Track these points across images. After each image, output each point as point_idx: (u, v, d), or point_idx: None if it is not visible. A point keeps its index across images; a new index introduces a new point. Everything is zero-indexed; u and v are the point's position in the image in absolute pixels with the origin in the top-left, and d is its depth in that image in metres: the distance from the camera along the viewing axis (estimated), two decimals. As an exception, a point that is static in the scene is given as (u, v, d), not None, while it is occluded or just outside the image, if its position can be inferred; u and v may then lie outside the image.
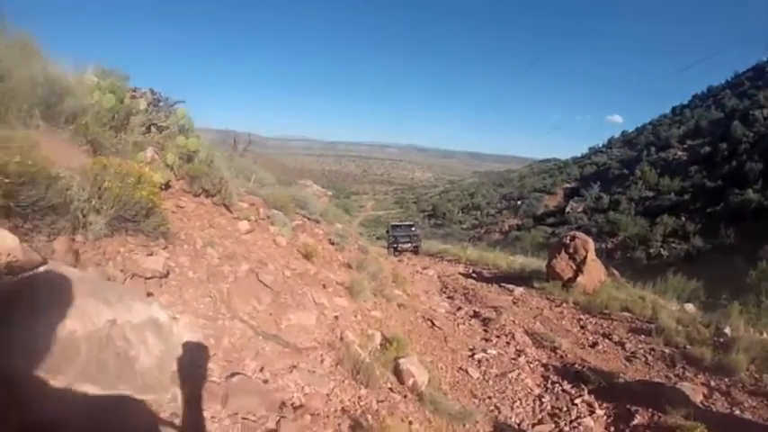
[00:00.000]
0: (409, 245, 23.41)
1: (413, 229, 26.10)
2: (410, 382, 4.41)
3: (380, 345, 5.08)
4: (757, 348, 6.53)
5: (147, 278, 2.86)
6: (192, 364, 2.40)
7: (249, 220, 5.79)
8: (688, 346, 7.16)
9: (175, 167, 5.59)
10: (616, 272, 17.47)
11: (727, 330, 7.52)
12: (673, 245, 35.10)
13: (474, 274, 15.41)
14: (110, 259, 2.84)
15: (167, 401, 2.18)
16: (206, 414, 2.34)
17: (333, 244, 8.44)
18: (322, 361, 3.54)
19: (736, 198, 35.35)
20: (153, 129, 6.21)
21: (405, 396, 4.10)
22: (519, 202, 64.66)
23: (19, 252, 2.25)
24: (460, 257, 20.77)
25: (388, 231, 26.33)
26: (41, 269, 2.13)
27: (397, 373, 4.50)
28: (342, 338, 4.17)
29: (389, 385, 4.12)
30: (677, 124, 64.31)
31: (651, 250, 35.69)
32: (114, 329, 2.05)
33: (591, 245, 11.23)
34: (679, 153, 53.51)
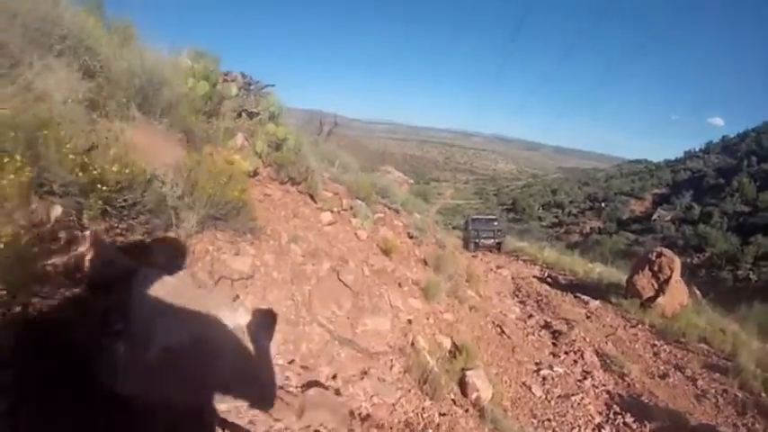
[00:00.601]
0: (492, 240, 21.99)
1: (495, 223, 24.16)
2: (474, 396, 4.44)
3: (449, 352, 5.14)
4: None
5: (234, 280, 3.03)
6: (270, 371, 2.55)
7: (332, 212, 5.96)
8: (763, 394, 6.66)
9: (264, 155, 5.82)
10: (698, 292, 16.53)
11: (809, 384, 6.95)
12: (764, 269, 32.63)
13: (549, 279, 15.00)
14: (199, 259, 3.02)
15: (245, 408, 2.34)
16: (281, 425, 2.47)
17: (411, 238, 8.53)
18: (391, 367, 3.63)
19: None
20: (244, 115, 6.43)
21: (467, 410, 4.12)
22: (603, 204, 62.19)
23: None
24: (537, 258, 20.23)
25: (467, 224, 24.55)
26: (138, 276, 2.31)
27: (462, 384, 4.53)
28: (413, 344, 4.25)
29: (453, 396, 4.16)
30: None
31: (739, 272, 33.26)
32: (202, 344, 2.22)
33: (677, 264, 10.65)
34: None
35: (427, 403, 3.62)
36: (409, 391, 3.57)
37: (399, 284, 5.84)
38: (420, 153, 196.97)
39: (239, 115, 6.33)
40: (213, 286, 2.91)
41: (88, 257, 2.31)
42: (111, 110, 3.48)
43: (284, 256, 3.76)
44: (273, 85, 10.05)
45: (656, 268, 10.57)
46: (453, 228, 46.37)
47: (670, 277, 10.33)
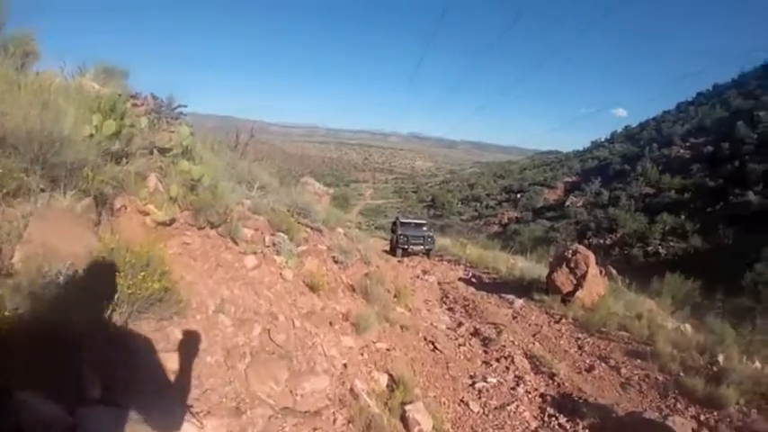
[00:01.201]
0: (421, 247, 21.25)
1: (425, 228, 23.18)
2: (416, 430, 4.52)
3: (387, 386, 5.20)
4: (748, 382, 6.58)
5: (171, 382, 2.90)
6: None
7: (255, 254, 5.79)
8: (682, 374, 7.21)
9: (179, 198, 5.51)
10: (614, 271, 17.61)
11: (720, 359, 7.56)
12: (671, 243, 35.32)
13: (474, 280, 15.51)
14: (125, 364, 2.81)
15: None
16: None
17: (337, 263, 8.50)
18: (335, 421, 3.62)
19: (737, 199, 35.58)
20: (155, 151, 6.04)
21: (411, 448, 4.18)
22: (519, 195, 64.89)
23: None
24: (460, 257, 20.83)
25: (394, 228, 23.32)
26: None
27: (404, 420, 4.59)
28: (351, 389, 4.25)
29: (396, 435, 4.20)
30: (681, 121, 64.40)
31: (649, 248, 35.93)
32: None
33: (592, 259, 11.30)
34: (681, 151, 53.65)
35: (375, 452, 3.64)
36: (355, 441, 3.57)
37: (330, 323, 5.81)
38: (339, 155, 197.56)
39: (151, 152, 5.96)
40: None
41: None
42: (9, 190, 3.20)
43: (214, 332, 3.64)
44: (186, 106, 9.68)
45: (572, 265, 11.17)
46: (376, 228, 46.76)
47: (586, 272, 10.95)
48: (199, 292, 3.96)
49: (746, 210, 33.70)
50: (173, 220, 5.12)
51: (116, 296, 2.92)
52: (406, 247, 20.76)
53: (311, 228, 9.59)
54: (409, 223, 23.54)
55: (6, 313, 2.39)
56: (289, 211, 9.15)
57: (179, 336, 3.27)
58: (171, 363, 2.95)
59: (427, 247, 21.29)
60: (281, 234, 7.16)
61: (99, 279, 2.88)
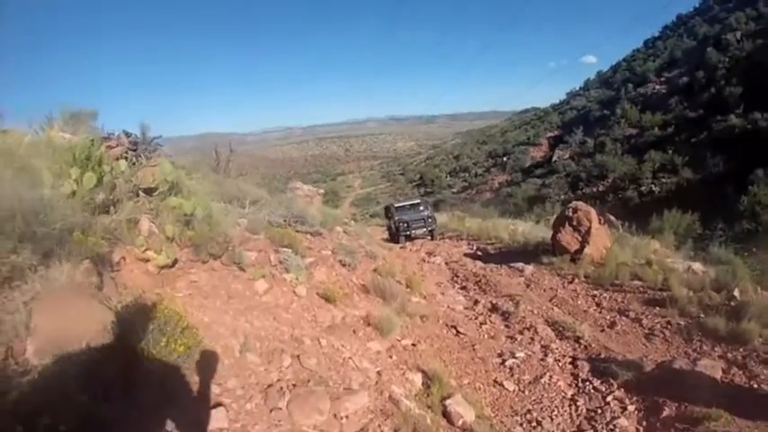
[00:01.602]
0: (424, 230, 20.19)
1: (421, 208, 21.76)
2: (460, 422, 4.50)
3: (422, 384, 5.19)
4: (768, 313, 6.61)
5: None
6: None
7: (264, 277, 5.73)
8: (702, 316, 7.25)
9: (177, 237, 5.37)
10: (613, 217, 17.70)
11: (737, 293, 7.61)
12: (663, 179, 35.58)
13: (480, 253, 15.50)
14: None
15: None
16: None
17: (345, 266, 8.45)
18: (382, 433, 3.62)
19: (720, 125, 35.85)
20: (141, 193, 5.79)
21: (459, 440, 4.15)
22: (505, 158, 64.96)
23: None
24: (461, 232, 20.78)
25: (388, 213, 22.34)
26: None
27: (447, 414, 4.59)
28: (390, 396, 4.22)
29: (442, 431, 4.20)
30: (651, 58, 64.71)
31: (642, 188, 36.19)
32: None
33: (593, 214, 11.31)
34: (657, 87, 54.07)
35: (425, 456, 3.63)
36: (408, 450, 3.56)
37: (354, 331, 5.80)
38: (320, 151, 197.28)
39: (136, 195, 5.72)
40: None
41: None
42: (3, 277, 3.05)
43: (246, 373, 3.58)
44: (161, 137, 9.55)
45: (575, 223, 11.19)
46: (370, 216, 46.82)
47: (590, 227, 10.97)
48: (220, 333, 3.90)
49: (731, 133, 33.89)
50: (175, 261, 4.99)
51: (140, 368, 2.84)
52: (408, 233, 19.83)
53: (311, 234, 9.55)
54: (404, 206, 22.19)
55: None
56: (285, 221, 9.10)
57: (216, 390, 3.22)
58: (215, 422, 2.90)
59: (430, 228, 20.30)
60: (285, 249, 7.10)
61: (118, 356, 2.80)
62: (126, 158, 6.72)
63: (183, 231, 5.56)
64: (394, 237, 20.50)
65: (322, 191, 23.73)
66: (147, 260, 4.68)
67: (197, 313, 4.02)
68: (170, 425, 2.73)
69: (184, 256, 5.32)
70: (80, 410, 2.41)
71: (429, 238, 20.17)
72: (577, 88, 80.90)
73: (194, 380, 3.18)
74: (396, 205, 22.42)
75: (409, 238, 19.78)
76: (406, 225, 19.84)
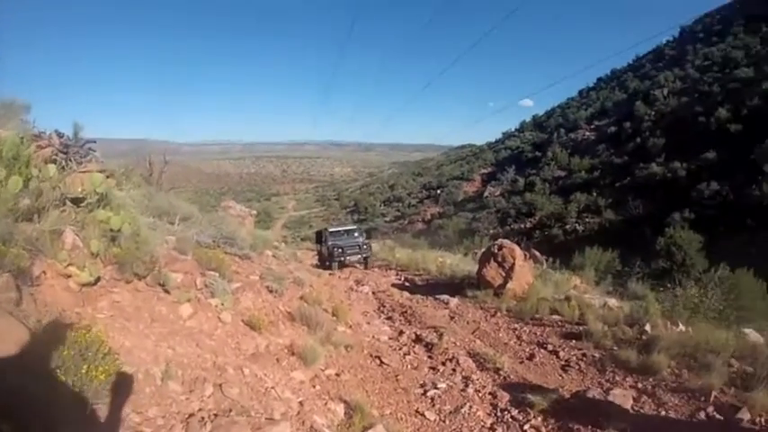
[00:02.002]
0: (358, 256, 19.81)
1: (356, 234, 21.60)
2: (381, 455, 4.57)
3: (345, 413, 5.23)
4: (676, 346, 7.17)
5: None
6: None
7: (190, 301, 5.61)
8: (615, 348, 7.74)
9: (101, 253, 5.18)
10: (537, 253, 18.54)
11: (648, 328, 8.21)
12: (587, 219, 37.98)
13: (407, 284, 15.72)
14: None
15: None
16: None
17: (271, 292, 8.41)
18: (304, 466, 3.64)
19: (642, 172, 38.98)
20: (68, 202, 5.56)
21: (379, 472, 4.23)
22: (439, 191, 66.62)
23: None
24: (390, 262, 20.98)
25: (320, 238, 21.64)
26: None
27: (368, 448, 4.65)
28: (312, 427, 4.24)
29: (364, 464, 4.24)
30: (584, 106, 69.62)
31: (567, 226, 38.49)
32: None
33: (517, 251, 11.84)
34: (587, 133, 58.42)
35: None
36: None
37: (277, 360, 5.80)
38: (256, 169, 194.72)
39: (63, 204, 5.49)
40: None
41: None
42: None
43: (167, 402, 3.51)
44: (95, 142, 9.21)
45: (500, 259, 11.66)
46: (302, 239, 46.57)
47: (513, 263, 11.45)
48: (141, 359, 3.81)
49: (652, 180, 36.62)
50: (98, 279, 4.78)
51: (62, 398, 2.77)
52: (342, 258, 19.33)
53: (240, 257, 9.46)
54: (339, 231, 21.87)
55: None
56: (214, 242, 8.97)
57: (136, 419, 3.16)
58: None
59: (365, 255, 19.91)
60: (212, 273, 7.00)
61: (39, 382, 2.72)
62: (55, 162, 6.48)
63: (109, 248, 5.37)
64: (325, 262, 20.11)
65: (255, 212, 23.36)
66: (69, 276, 4.50)
67: (118, 336, 3.91)
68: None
69: (108, 274, 5.14)
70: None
71: (362, 266, 19.85)
72: (513, 129, 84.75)
73: (114, 408, 3.10)
74: (330, 230, 22.02)
75: (342, 265, 19.34)
76: (340, 251, 19.36)
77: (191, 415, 3.50)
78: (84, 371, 2.87)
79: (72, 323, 3.42)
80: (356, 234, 21.56)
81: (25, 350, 2.92)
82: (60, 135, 8.27)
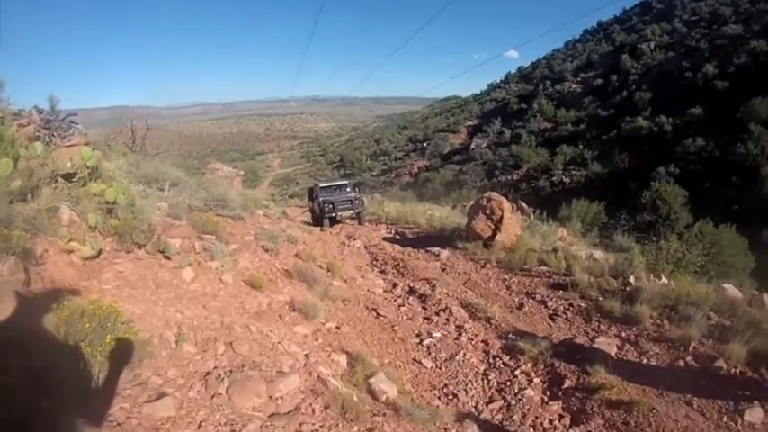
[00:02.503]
0: (351, 212, 19.09)
1: (348, 189, 20.64)
2: (383, 398, 4.89)
3: (347, 364, 5.54)
4: (658, 297, 7.52)
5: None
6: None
7: (191, 265, 5.77)
8: (600, 299, 8.07)
9: (99, 226, 5.30)
10: (525, 205, 18.78)
11: (632, 279, 8.50)
12: (573, 172, 38.29)
13: (398, 237, 15.99)
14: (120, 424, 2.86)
15: None
16: None
17: (267, 251, 8.59)
18: (313, 411, 3.88)
19: (628, 125, 39.17)
20: (59, 179, 5.55)
21: (384, 414, 4.52)
22: (425, 144, 66.38)
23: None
24: (380, 216, 21.03)
25: (312, 194, 20.83)
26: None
27: (371, 391, 4.96)
28: (319, 377, 4.49)
29: (368, 407, 4.49)
30: (570, 58, 68.91)
31: (554, 178, 38.81)
32: None
33: (505, 204, 12.07)
34: (573, 86, 58.02)
35: (355, 429, 3.95)
36: (337, 425, 3.85)
37: (280, 317, 6.06)
38: (239, 129, 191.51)
39: (54, 180, 5.48)
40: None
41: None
42: None
43: (183, 362, 3.73)
44: (76, 114, 9.12)
45: (488, 212, 11.89)
46: (290, 197, 46.50)
47: (502, 216, 11.70)
48: (153, 324, 3.99)
49: (638, 134, 36.88)
50: (99, 252, 4.94)
51: (89, 369, 2.93)
52: (333, 215, 18.56)
53: (232, 218, 9.57)
54: (330, 187, 20.93)
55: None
56: (206, 205, 9.05)
57: (158, 381, 3.36)
58: (162, 411, 3.04)
59: (357, 211, 19.13)
60: (209, 236, 7.15)
61: (68, 358, 2.89)
62: (39, 139, 6.46)
63: (106, 220, 5.45)
64: (317, 219, 19.46)
65: (242, 172, 23.26)
66: (71, 251, 4.62)
67: (128, 305, 4.07)
68: (123, 417, 2.87)
69: (108, 246, 5.26)
70: (44, 414, 2.53)
71: (356, 221, 19.29)
72: (498, 81, 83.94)
73: (137, 372, 3.31)
74: (321, 185, 21.06)
75: (334, 221, 18.84)
76: (331, 206, 18.52)
77: (207, 373, 3.73)
78: (107, 340, 3.05)
79: (88, 297, 3.56)
80: (348, 189, 20.70)
81: (47, 327, 3.10)
82: (40, 111, 8.17)
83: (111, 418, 2.84)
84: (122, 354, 3.18)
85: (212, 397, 3.46)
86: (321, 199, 19.20)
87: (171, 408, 3.10)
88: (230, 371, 3.82)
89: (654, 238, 11.36)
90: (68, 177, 5.65)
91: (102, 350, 2.99)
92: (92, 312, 3.13)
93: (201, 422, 3.14)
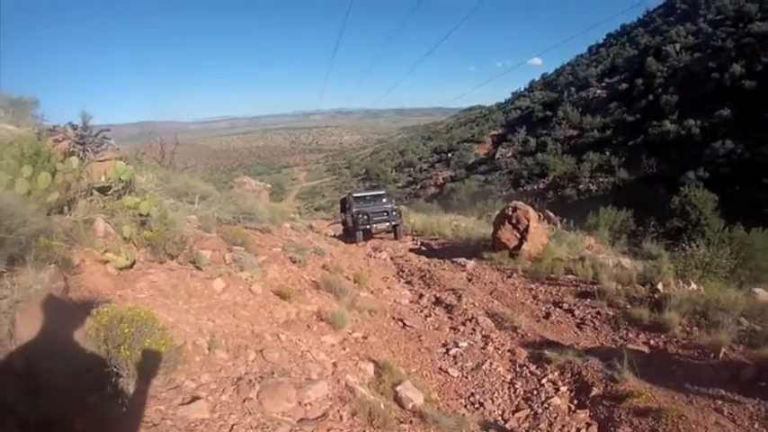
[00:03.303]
0: (387, 224, 17.62)
1: (384, 200, 19.09)
2: (410, 405, 4.91)
3: (375, 372, 5.60)
4: (686, 304, 7.38)
5: None
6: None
7: (222, 276, 5.92)
8: (628, 307, 7.98)
9: (133, 237, 5.52)
10: (551, 214, 18.62)
11: (660, 286, 8.35)
12: (600, 179, 37.70)
13: (424, 249, 16.02)
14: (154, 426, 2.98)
15: None
16: None
17: (295, 263, 8.73)
18: (341, 417, 3.94)
19: (655, 130, 38.44)
20: (95, 192, 5.79)
21: (411, 422, 4.55)
22: (450, 155, 66.24)
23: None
24: (406, 228, 21.03)
25: (345, 206, 19.27)
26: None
27: (398, 399, 4.98)
28: (346, 385, 4.57)
29: (395, 415, 4.54)
30: (594, 63, 68.31)
31: (581, 186, 38.23)
32: None
33: (531, 213, 12.04)
34: (598, 91, 57.39)
35: (383, 436, 4.00)
36: (364, 431, 3.91)
37: (308, 326, 6.17)
38: (265, 142, 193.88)
39: (90, 193, 5.74)
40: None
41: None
42: None
43: (216, 368, 3.86)
44: (109, 130, 9.41)
45: (514, 221, 11.86)
46: (316, 209, 46.81)
47: (528, 225, 11.65)
48: (187, 332, 4.12)
49: (665, 138, 36.21)
50: (134, 262, 5.13)
51: (127, 371, 3.08)
52: (367, 226, 17.24)
53: (260, 231, 9.75)
54: (364, 197, 19.39)
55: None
56: (234, 218, 9.25)
57: (192, 385, 3.49)
58: (195, 414, 3.16)
59: (394, 223, 17.73)
60: (239, 248, 7.33)
61: (107, 361, 3.04)
62: (74, 153, 6.69)
63: (140, 232, 5.68)
64: (349, 232, 18.22)
65: (269, 186, 23.56)
66: (107, 261, 4.79)
67: (161, 313, 4.19)
68: (159, 418, 3.01)
69: (142, 257, 5.48)
70: (93, 412, 2.67)
71: (393, 234, 18.06)
72: (522, 89, 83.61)
73: (172, 377, 3.45)
74: (355, 195, 19.43)
75: (368, 234, 17.57)
76: (365, 218, 17.21)
77: (239, 378, 3.85)
78: (145, 345, 3.20)
79: (124, 305, 3.72)
80: (384, 200, 19.20)
81: (87, 332, 3.26)
82: (74, 127, 8.43)
83: (146, 419, 2.97)
84: (158, 358, 3.32)
85: (244, 401, 3.56)
86: (355, 209, 17.78)
87: (204, 410, 3.21)
88: (261, 377, 3.93)
89: (684, 245, 11.14)
90: (103, 191, 5.89)
91: (139, 354, 3.14)
92: (130, 318, 3.27)
93: (233, 425, 3.23)
